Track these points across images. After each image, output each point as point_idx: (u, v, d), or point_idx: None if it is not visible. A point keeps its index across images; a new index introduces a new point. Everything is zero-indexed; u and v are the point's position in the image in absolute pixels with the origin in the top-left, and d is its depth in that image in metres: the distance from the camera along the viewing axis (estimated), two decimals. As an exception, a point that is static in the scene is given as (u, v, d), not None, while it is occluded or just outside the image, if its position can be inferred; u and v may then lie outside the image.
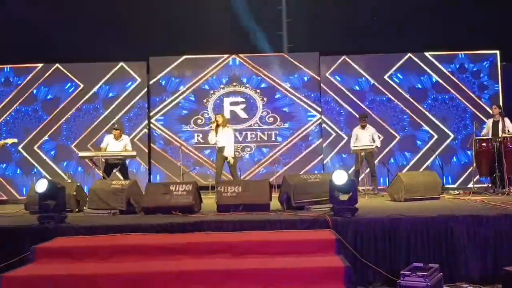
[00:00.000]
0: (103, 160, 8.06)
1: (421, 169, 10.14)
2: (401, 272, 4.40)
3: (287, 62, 10.92)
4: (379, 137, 9.09)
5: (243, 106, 10.85)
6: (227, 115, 10.43)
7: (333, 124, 10.65)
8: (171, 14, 11.18)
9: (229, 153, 8.04)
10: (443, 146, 10.49)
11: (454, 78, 10.64)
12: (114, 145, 8.31)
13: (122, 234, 5.01)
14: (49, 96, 10.65)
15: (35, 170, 10.41)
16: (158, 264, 4.36)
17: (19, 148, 10.36)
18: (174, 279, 4.09)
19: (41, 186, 5.42)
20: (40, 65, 10.72)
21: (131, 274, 4.13)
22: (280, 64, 10.91)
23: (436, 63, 10.68)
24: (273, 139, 10.79)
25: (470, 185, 9.05)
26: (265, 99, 10.83)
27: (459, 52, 10.74)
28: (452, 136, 10.53)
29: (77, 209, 6.81)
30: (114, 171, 8.37)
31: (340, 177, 5.35)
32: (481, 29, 10.23)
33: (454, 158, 10.51)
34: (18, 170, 10.52)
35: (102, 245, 4.69)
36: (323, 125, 10.67)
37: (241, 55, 10.94)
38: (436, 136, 10.53)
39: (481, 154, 8.13)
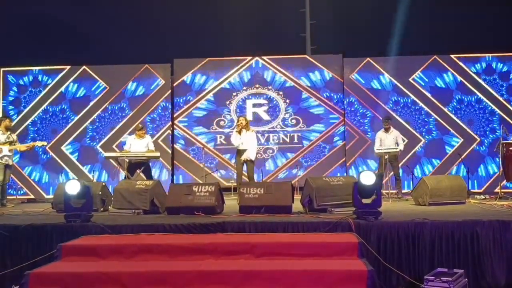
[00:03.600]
0: (127, 160, 8.19)
1: (446, 173, 9.96)
2: (425, 277, 4.34)
3: (310, 64, 10.90)
4: (404, 140, 8.98)
5: (265, 108, 10.86)
6: (249, 116, 10.49)
7: (356, 126, 10.57)
8: (195, 17, 11.31)
9: (251, 156, 8.00)
10: (469, 150, 10.30)
11: (481, 81, 10.44)
12: (137, 144, 8.46)
13: (146, 234, 5.08)
14: (76, 98, 10.87)
15: (62, 169, 10.65)
16: (180, 264, 4.41)
17: (47, 148, 10.59)
18: (196, 279, 4.12)
19: (73, 188, 5.51)
20: (68, 67, 10.95)
21: (154, 273, 4.18)
22: (303, 66, 10.89)
23: (462, 65, 10.49)
24: (296, 141, 10.77)
25: (497, 190, 8.86)
26: (287, 101, 10.83)
27: (486, 54, 10.51)
28: (478, 139, 10.33)
29: (102, 209, 6.91)
30: (138, 171, 8.49)
31: (367, 178, 5.31)
32: (508, 30, 10.03)
33: (480, 162, 10.30)
34: (45, 169, 10.76)
35: (127, 243, 4.76)
36: (346, 127, 10.60)
37: (264, 57, 10.96)
38: (461, 140, 10.35)
39: (509, 158, 7.95)
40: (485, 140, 10.31)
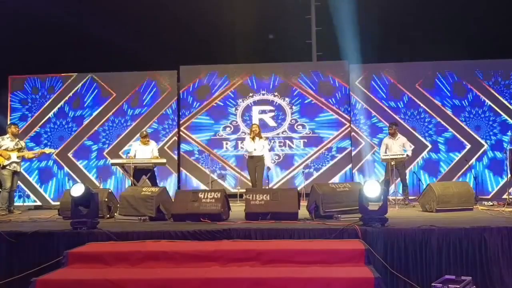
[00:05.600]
0: (133, 167, 8.21)
1: (454, 179, 9.90)
2: (432, 284, 4.31)
3: (316, 70, 10.90)
4: (411, 146, 8.92)
5: (272, 114, 10.87)
6: (256, 123, 10.50)
7: (363, 132, 10.55)
8: (201, 24, 11.36)
9: (269, 164, 8.57)
10: (476, 156, 10.23)
11: (488, 87, 10.39)
12: (142, 151, 8.48)
13: (152, 241, 5.07)
14: (83, 105, 10.93)
15: (68, 176, 10.69)
16: (186, 271, 4.39)
17: (54, 155, 10.64)
18: (202, 286, 4.10)
19: (78, 190, 5.54)
20: (75, 74, 11.03)
21: (159, 280, 4.17)
22: (309, 72, 10.90)
23: (469, 71, 10.45)
24: (302, 147, 10.75)
25: (505, 196, 8.78)
26: (293, 107, 10.83)
27: (493, 60, 10.47)
28: (485, 145, 10.26)
29: (108, 215, 6.93)
30: (144, 177, 8.50)
31: (372, 188, 5.26)
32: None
33: (488, 168, 10.23)
34: (52, 176, 10.80)
35: (133, 250, 4.75)
36: (352, 133, 10.58)
37: (269, 63, 10.98)
38: (469, 146, 10.29)
39: (517, 164, 7.91)
40: (493, 146, 10.23)
